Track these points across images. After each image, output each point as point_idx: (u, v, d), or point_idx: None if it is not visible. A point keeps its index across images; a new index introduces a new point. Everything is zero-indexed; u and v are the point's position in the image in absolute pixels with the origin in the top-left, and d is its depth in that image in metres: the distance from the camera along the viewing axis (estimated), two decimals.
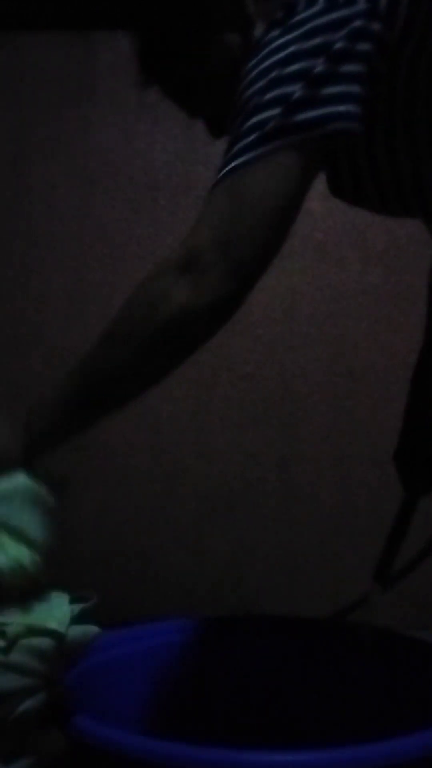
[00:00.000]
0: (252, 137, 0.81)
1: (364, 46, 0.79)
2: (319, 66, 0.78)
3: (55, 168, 2.15)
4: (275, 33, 0.82)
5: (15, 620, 0.82)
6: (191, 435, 2.13)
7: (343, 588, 2.04)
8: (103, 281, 2.14)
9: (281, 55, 0.80)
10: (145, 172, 2.15)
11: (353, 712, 1.10)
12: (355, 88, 0.79)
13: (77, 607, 0.87)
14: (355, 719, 1.10)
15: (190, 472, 2.12)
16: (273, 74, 0.80)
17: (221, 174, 0.85)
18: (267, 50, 0.82)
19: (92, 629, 0.88)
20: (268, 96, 0.80)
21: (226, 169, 0.84)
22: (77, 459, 2.13)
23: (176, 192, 2.13)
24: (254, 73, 0.82)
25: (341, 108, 0.79)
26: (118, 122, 2.15)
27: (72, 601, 0.87)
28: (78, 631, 0.86)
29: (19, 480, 0.88)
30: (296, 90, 0.79)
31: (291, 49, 0.80)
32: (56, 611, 0.84)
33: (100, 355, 0.89)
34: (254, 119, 0.81)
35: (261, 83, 0.81)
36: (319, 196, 2.36)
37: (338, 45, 0.78)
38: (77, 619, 0.86)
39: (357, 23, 0.78)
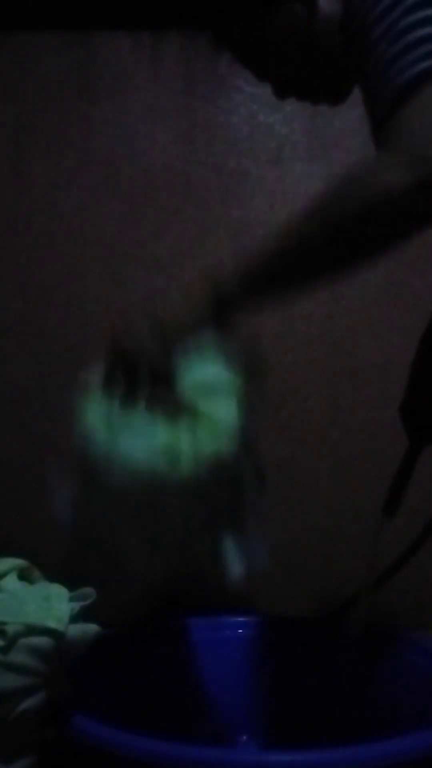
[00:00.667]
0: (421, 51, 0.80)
1: None
2: None
3: (55, 168, 2.15)
4: None
5: (14, 619, 0.82)
6: None
7: (343, 588, 2.04)
8: (103, 281, 2.14)
9: None
10: (144, 172, 2.15)
11: (353, 711, 1.10)
12: None
13: (77, 606, 0.87)
14: (354, 719, 1.10)
15: None
16: None
17: (408, 81, 0.81)
18: None
19: (92, 628, 0.88)
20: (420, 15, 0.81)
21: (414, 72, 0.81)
22: (77, 459, 2.13)
23: (176, 192, 2.14)
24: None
25: None
26: (118, 122, 2.15)
27: (72, 599, 0.87)
28: (77, 629, 0.86)
29: (213, 371, 0.86)
30: None
31: None
32: (55, 610, 0.84)
33: (298, 227, 0.87)
34: (417, 34, 0.81)
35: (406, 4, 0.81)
36: None
37: None
38: (77, 618, 0.86)
39: None
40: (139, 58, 2.16)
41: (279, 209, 2.13)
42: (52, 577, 0.95)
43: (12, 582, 0.88)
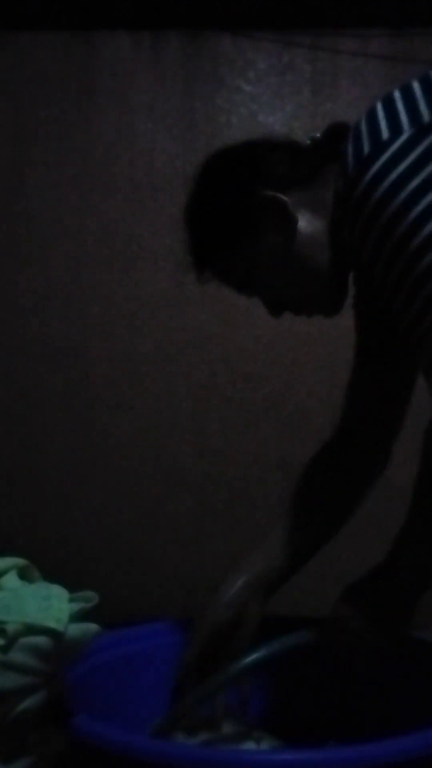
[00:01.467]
0: None
1: None
2: None
3: (55, 168, 2.15)
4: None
5: (14, 618, 0.81)
6: (191, 435, 2.13)
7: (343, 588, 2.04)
8: (103, 281, 2.14)
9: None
10: (145, 172, 2.15)
11: (353, 711, 1.10)
12: None
13: (76, 606, 0.86)
14: (355, 719, 1.09)
15: (190, 472, 2.12)
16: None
17: None
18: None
19: (91, 627, 0.87)
20: None
21: None
22: (77, 459, 2.13)
23: (176, 192, 2.14)
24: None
25: None
26: (118, 122, 2.15)
27: (71, 600, 0.87)
28: (77, 629, 0.85)
29: None
30: None
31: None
32: (55, 609, 0.84)
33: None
34: None
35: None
36: None
37: None
38: (76, 618, 0.86)
39: None
40: (139, 58, 2.16)
41: None
42: (51, 578, 0.95)
43: (12, 581, 0.88)
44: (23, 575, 0.92)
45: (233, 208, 0.98)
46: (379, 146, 0.83)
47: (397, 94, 0.87)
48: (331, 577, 2.10)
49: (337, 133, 0.94)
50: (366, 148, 0.84)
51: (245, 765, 0.82)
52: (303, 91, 2.13)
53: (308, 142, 0.98)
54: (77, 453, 2.13)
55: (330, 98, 2.12)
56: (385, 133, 0.83)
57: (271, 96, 2.12)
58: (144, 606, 2.04)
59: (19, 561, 0.92)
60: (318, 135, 0.97)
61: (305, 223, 0.95)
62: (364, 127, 0.86)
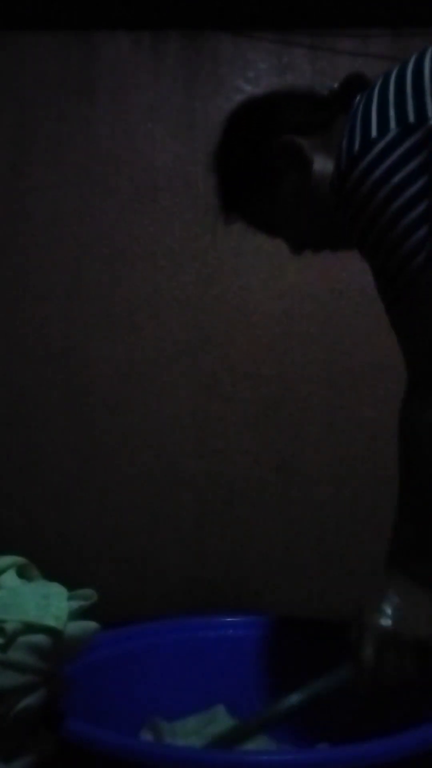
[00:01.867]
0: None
1: None
2: None
3: (56, 168, 2.15)
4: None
5: (13, 617, 0.81)
6: (191, 435, 2.12)
7: (343, 588, 2.04)
8: (103, 281, 2.14)
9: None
10: (145, 172, 2.15)
11: (352, 710, 1.10)
12: None
13: (75, 604, 0.86)
14: (354, 718, 1.10)
15: (190, 472, 2.12)
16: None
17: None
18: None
19: (91, 625, 0.87)
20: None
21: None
22: (77, 459, 2.13)
23: (176, 192, 2.14)
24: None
25: None
26: (118, 122, 2.15)
27: (71, 598, 0.87)
28: (76, 627, 0.85)
29: None
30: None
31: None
32: (54, 608, 0.84)
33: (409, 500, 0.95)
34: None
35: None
36: None
37: None
38: (75, 616, 0.86)
39: None
40: (139, 58, 2.16)
41: None
42: (50, 578, 0.96)
43: (11, 579, 0.88)
44: (22, 573, 0.92)
45: (255, 152, 1.06)
46: (367, 144, 0.89)
47: (392, 85, 0.92)
48: (331, 577, 2.10)
49: (354, 84, 1.02)
50: (356, 145, 0.90)
51: (244, 765, 0.82)
52: None
53: (326, 93, 1.05)
54: (77, 453, 2.12)
55: None
56: (374, 131, 0.89)
57: None
58: (144, 606, 2.03)
59: (18, 559, 0.92)
60: (336, 86, 1.05)
61: (320, 164, 1.02)
62: (359, 121, 0.92)
